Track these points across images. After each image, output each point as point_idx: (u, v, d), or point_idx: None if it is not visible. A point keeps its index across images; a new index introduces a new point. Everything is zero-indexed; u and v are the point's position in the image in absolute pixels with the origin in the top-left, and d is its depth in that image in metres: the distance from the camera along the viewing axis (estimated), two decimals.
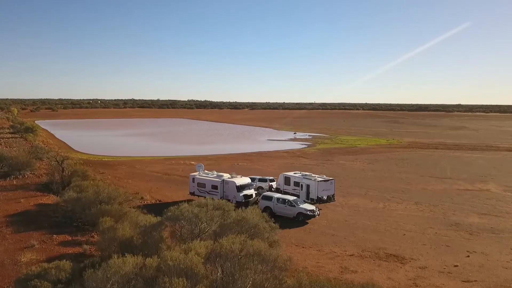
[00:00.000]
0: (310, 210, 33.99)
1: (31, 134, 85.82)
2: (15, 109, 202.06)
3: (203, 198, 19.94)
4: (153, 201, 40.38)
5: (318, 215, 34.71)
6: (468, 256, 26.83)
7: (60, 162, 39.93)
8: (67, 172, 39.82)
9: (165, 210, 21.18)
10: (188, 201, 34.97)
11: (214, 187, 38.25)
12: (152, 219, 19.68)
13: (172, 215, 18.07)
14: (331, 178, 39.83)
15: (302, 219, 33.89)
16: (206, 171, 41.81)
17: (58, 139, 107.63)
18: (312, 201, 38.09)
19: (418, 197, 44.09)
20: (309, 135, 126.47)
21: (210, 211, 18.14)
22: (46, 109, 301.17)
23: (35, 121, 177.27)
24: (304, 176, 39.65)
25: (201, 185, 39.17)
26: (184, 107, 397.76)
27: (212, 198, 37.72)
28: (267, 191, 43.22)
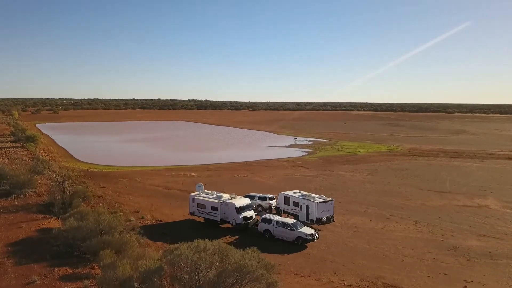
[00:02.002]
0: (310, 234, 34.21)
1: (32, 143, 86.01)
2: (16, 113, 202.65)
3: (202, 241, 20.12)
4: (153, 221, 40.61)
5: (317, 238, 34.92)
6: (465, 287, 27.04)
7: (61, 183, 40.14)
8: (68, 193, 40.02)
9: (165, 251, 21.34)
10: (188, 221, 35.39)
11: (214, 208, 38.47)
12: (151, 263, 19.87)
13: (171, 260, 18.31)
14: (330, 199, 40.00)
15: (301, 243, 34.13)
16: (206, 191, 42.01)
17: (59, 145, 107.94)
18: (311, 222, 38.34)
19: (417, 215, 44.29)
20: (309, 141, 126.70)
21: (210, 256, 18.37)
22: (47, 110, 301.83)
23: (36, 125, 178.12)
24: (304, 197, 39.84)
25: (201, 206, 39.40)
26: (185, 108, 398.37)
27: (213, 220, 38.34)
28: (267, 209, 43.59)
